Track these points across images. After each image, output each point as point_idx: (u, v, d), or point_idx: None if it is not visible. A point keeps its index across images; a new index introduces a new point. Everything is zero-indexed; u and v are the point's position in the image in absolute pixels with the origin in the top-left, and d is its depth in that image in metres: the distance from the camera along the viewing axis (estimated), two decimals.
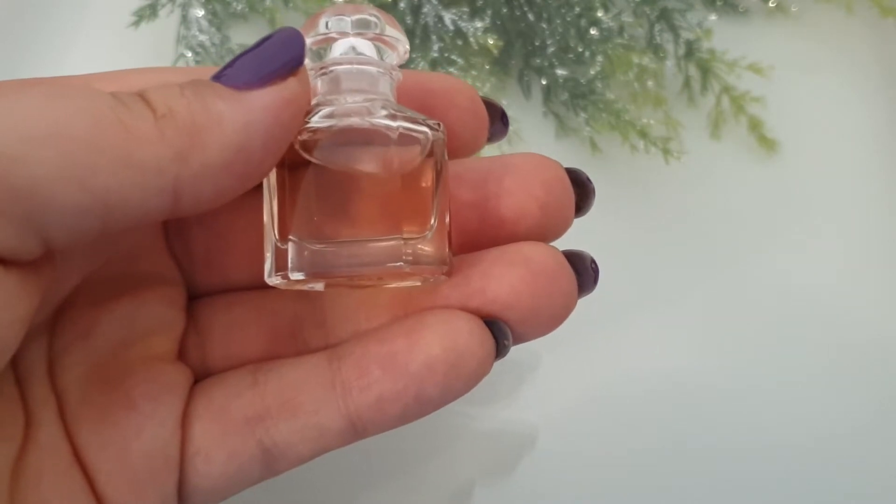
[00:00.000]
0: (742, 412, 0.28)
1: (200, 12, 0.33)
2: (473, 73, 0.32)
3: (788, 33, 0.35)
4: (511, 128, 0.32)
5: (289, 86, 0.16)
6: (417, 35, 0.32)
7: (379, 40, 0.19)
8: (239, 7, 0.33)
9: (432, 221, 0.18)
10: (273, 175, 0.18)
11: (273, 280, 0.18)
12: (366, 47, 0.18)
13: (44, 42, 0.33)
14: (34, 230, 0.14)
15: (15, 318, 0.15)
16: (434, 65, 0.32)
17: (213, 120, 0.15)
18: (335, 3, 0.19)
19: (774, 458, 0.28)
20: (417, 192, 0.18)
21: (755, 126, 0.33)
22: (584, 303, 0.21)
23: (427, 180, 0.18)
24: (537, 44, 0.33)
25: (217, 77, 0.16)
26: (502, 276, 0.19)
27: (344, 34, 0.18)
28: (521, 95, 0.33)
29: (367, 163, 0.18)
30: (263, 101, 0.16)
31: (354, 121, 0.18)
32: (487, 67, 0.33)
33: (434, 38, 0.32)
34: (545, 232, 0.20)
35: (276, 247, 0.18)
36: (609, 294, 0.24)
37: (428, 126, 0.18)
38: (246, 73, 0.16)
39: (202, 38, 0.33)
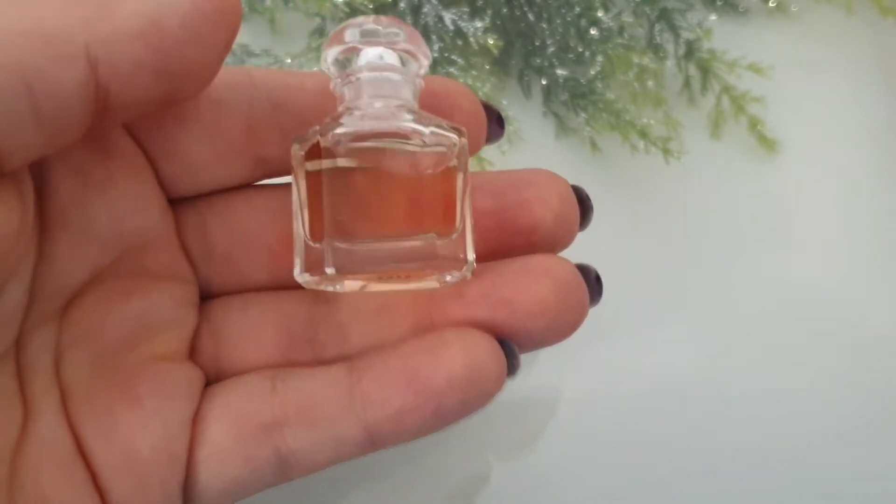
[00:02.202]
0: (741, 411, 0.28)
1: None
2: (473, 73, 0.32)
3: (788, 33, 0.35)
4: (511, 128, 0.32)
5: None
6: None
7: (402, 51, 0.19)
8: None
9: (458, 223, 0.19)
10: (302, 176, 0.19)
11: (303, 278, 0.19)
12: (390, 56, 0.19)
13: None
14: None
15: None
16: (434, 65, 0.32)
17: None
18: (360, 14, 0.20)
19: (774, 458, 0.28)
20: (444, 194, 0.19)
21: (755, 126, 0.33)
22: None
23: (453, 183, 0.19)
24: (537, 44, 0.33)
25: None
26: (529, 287, 0.19)
27: (369, 43, 0.19)
28: (521, 95, 0.33)
29: (396, 165, 0.18)
30: None
31: (383, 124, 0.18)
32: (487, 67, 0.33)
33: (434, 38, 0.32)
34: (556, 242, 0.21)
35: (307, 245, 0.19)
36: (608, 293, 0.24)
37: (454, 131, 0.19)
38: None
39: None
